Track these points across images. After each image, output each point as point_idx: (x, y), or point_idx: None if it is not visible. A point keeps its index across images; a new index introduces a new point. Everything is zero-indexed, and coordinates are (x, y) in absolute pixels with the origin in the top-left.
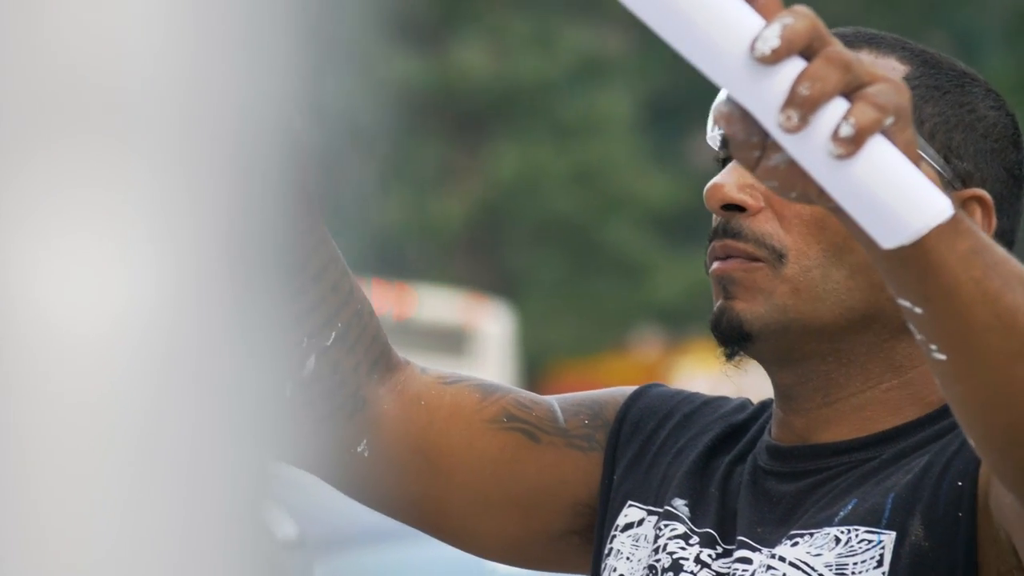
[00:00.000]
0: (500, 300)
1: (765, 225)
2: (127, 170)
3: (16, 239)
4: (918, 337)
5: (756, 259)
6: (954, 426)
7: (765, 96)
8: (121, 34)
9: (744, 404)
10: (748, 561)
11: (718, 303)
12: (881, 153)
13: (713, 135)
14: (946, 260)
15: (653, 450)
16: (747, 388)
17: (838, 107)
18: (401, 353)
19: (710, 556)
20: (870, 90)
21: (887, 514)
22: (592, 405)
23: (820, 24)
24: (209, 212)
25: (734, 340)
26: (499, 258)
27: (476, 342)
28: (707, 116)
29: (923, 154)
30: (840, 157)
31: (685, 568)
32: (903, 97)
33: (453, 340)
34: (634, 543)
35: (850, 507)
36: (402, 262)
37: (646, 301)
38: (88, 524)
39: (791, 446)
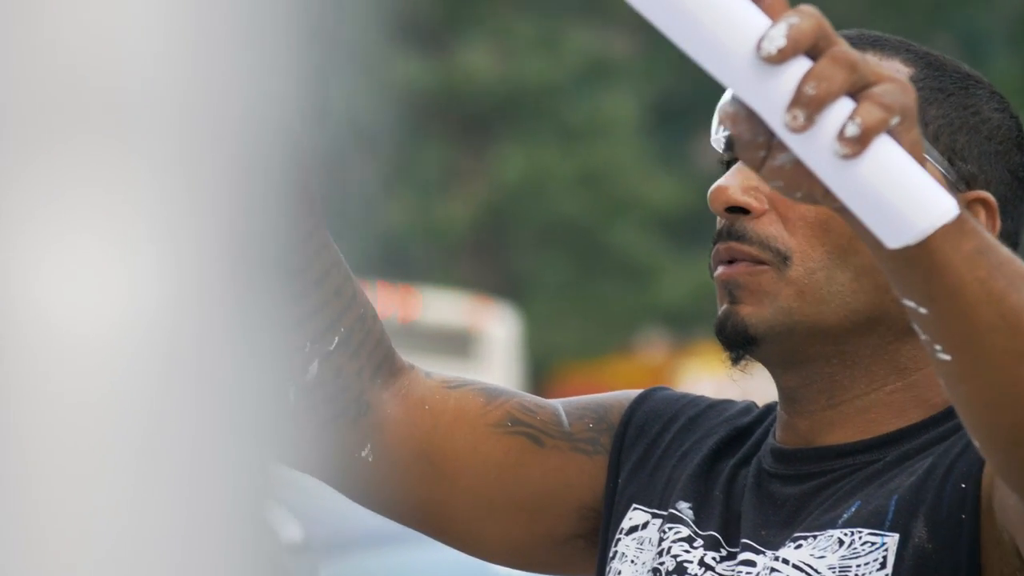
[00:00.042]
0: (505, 302)
1: (769, 227)
2: (128, 171)
3: (18, 240)
4: (923, 337)
5: (761, 262)
6: (958, 428)
7: (771, 96)
8: (122, 35)
9: (749, 407)
10: (752, 564)
11: (723, 307)
12: (887, 153)
13: (717, 137)
14: (951, 260)
15: (658, 453)
16: (753, 391)
17: (844, 107)
18: (406, 355)
19: (714, 559)
20: (876, 90)
21: (890, 516)
22: (597, 409)
23: (826, 24)
24: (210, 213)
25: (739, 344)
26: (504, 260)
27: (481, 344)
28: (713, 119)
29: (927, 156)
30: (846, 157)
31: (689, 571)
32: (909, 97)
33: (458, 342)
34: (638, 546)
35: (853, 509)
36: (407, 264)
37: (652, 303)
38: (89, 525)
39: (795, 449)
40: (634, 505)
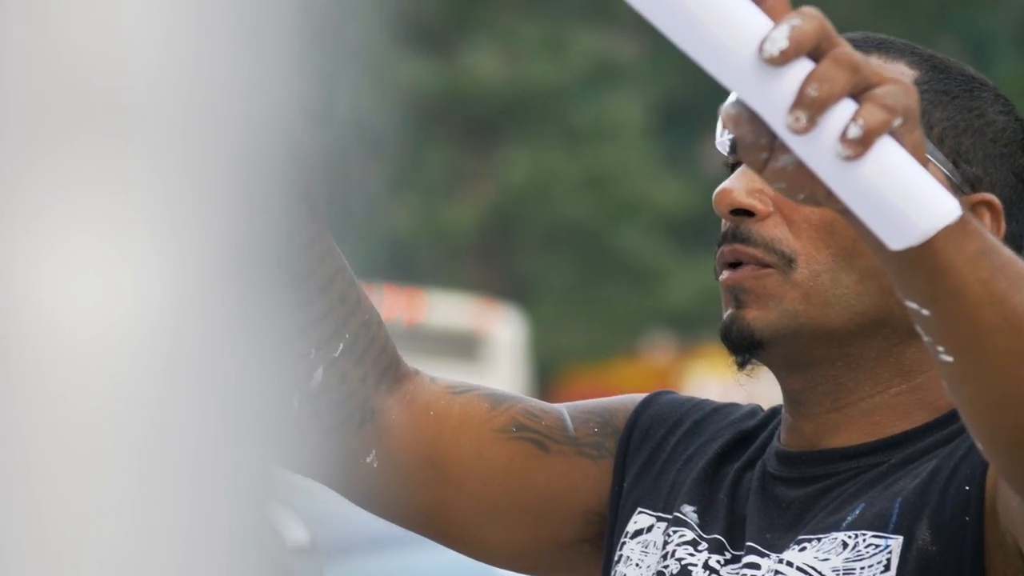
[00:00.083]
0: (511, 305)
1: (774, 230)
2: (131, 172)
3: (21, 241)
4: (925, 339)
5: (766, 265)
6: (962, 430)
7: (773, 97)
8: (126, 35)
9: (754, 411)
10: (756, 567)
11: (728, 312)
12: (889, 154)
13: (722, 140)
14: (954, 261)
15: (663, 457)
16: (759, 394)
17: (846, 108)
18: (412, 358)
19: (718, 562)
20: (878, 91)
21: (894, 518)
22: (602, 413)
23: (828, 25)
24: (213, 214)
25: (745, 348)
26: (510, 263)
27: (487, 347)
28: (718, 121)
29: (932, 158)
30: (848, 158)
31: (693, 574)
32: (912, 98)
33: (464, 345)
34: (643, 550)
35: (858, 512)
36: (413, 267)
37: (658, 306)
38: (93, 526)
39: (800, 451)
40: (639, 509)
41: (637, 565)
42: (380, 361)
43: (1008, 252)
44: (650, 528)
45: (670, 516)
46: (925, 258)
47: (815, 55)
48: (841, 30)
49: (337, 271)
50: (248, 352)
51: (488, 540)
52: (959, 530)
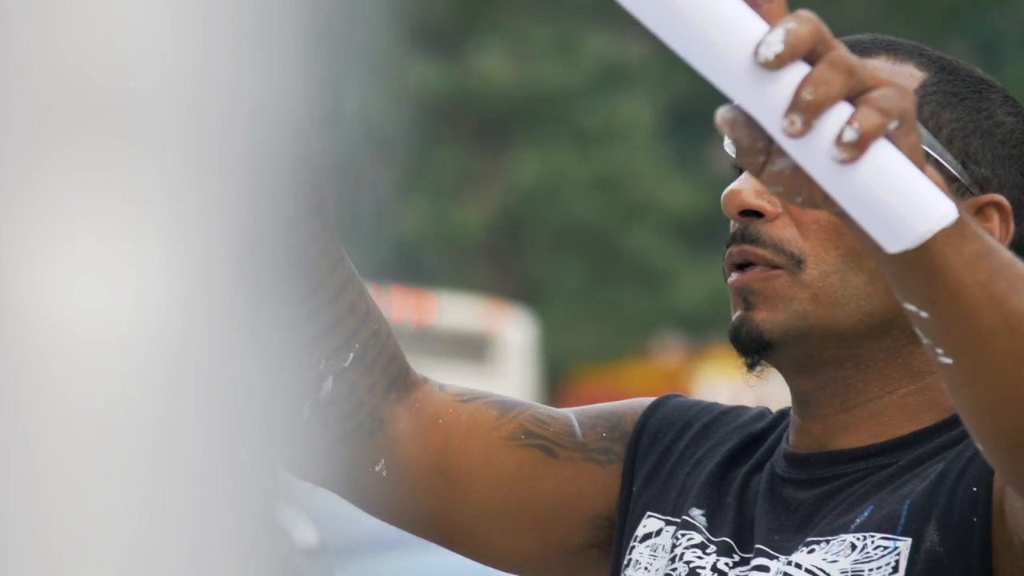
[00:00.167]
0: (521, 307)
1: (783, 231)
2: (138, 172)
3: (27, 241)
4: (925, 341)
5: (775, 266)
6: None
7: (769, 101)
8: (132, 35)
9: (763, 413)
10: (765, 569)
11: (737, 314)
12: (885, 157)
13: (730, 142)
14: (951, 264)
15: (672, 461)
16: (769, 396)
17: (842, 112)
18: (421, 360)
19: (727, 564)
20: (874, 94)
21: (903, 521)
22: (610, 417)
23: (824, 28)
24: (220, 214)
25: (754, 350)
26: (520, 265)
27: (497, 349)
28: None
29: (941, 159)
30: (844, 162)
31: None
32: (907, 101)
33: (474, 347)
34: (652, 553)
35: (866, 514)
36: (422, 269)
37: (668, 308)
38: (100, 527)
39: (808, 453)
40: (648, 513)
41: (646, 569)
42: (389, 370)
43: (1007, 254)
44: (659, 532)
45: (679, 520)
46: (922, 260)
47: (811, 58)
48: (851, 32)
49: (347, 281)
50: (254, 351)
51: (496, 546)
52: (967, 531)
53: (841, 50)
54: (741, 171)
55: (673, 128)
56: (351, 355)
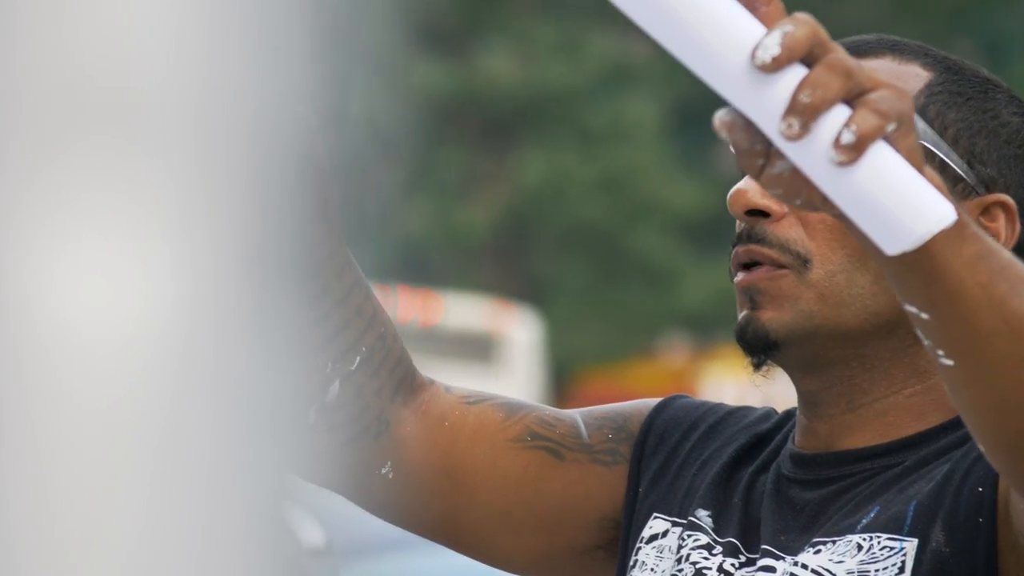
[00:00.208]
0: (527, 307)
1: (789, 231)
2: (143, 172)
3: (33, 243)
4: (926, 343)
5: (781, 265)
6: None
7: (766, 104)
8: (137, 35)
9: (769, 414)
10: (772, 569)
11: (743, 313)
12: (883, 160)
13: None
14: (951, 265)
15: (678, 462)
16: (775, 395)
17: (840, 114)
18: (427, 360)
19: (733, 565)
20: (872, 96)
21: (909, 522)
22: (616, 418)
23: (821, 31)
24: (226, 214)
25: (760, 350)
26: (526, 265)
27: (503, 349)
28: None
29: (947, 159)
30: (842, 164)
31: None
32: (905, 103)
33: (480, 347)
34: (658, 554)
35: (872, 514)
36: (428, 269)
37: (673, 307)
38: (106, 528)
39: (815, 453)
40: (654, 514)
41: (652, 570)
42: (396, 373)
43: (1007, 255)
44: (665, 533)
45: (685, 521)
46: (922, 262)
47: (808, 61)
48: (857, 32)
49: (354, 284)
50: (261, 352)
51: (503, 548)
52: (973, 532)
53: (839, 52)
54: None
55: (679, 128)
56: (358, 358)
